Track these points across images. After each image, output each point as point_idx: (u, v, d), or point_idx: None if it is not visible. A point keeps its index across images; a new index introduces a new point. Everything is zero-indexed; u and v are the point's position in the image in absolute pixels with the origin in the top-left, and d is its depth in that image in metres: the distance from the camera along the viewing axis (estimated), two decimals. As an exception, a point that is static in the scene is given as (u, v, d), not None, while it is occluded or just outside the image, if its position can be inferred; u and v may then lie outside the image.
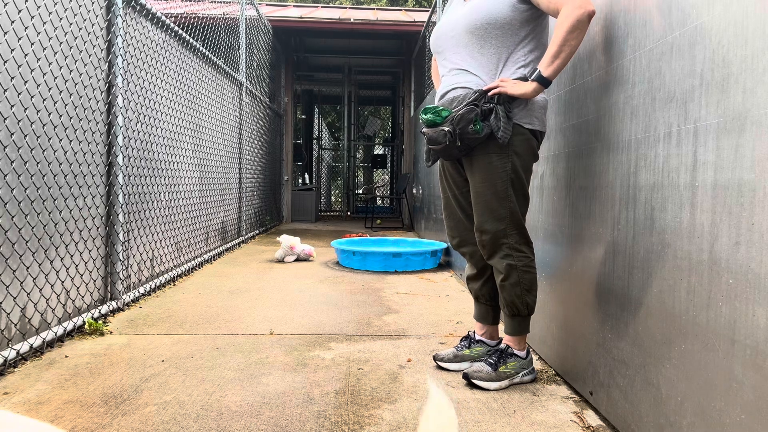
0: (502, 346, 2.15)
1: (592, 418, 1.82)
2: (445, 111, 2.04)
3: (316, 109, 14.41)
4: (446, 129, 2.00)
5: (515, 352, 2.12)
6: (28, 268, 2.31)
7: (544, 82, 1.89)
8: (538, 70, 1.90)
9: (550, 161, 2.32)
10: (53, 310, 2.49)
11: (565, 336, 2.14)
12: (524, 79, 1.98)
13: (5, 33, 2.14)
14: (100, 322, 2.74)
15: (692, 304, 1.33)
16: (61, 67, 2.54)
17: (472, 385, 2.07)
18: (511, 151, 1.99)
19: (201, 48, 4.53)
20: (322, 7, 10.91)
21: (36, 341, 2.29)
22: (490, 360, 2.10)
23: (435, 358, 2.29)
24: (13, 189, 2.19)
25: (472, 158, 2.06)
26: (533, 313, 2.12)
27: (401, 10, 10.87)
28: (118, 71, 3.04)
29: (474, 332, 2.34)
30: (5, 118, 2.14)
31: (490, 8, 2.00)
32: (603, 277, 1.81)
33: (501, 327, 2.78)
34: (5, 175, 2.14)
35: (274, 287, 3.89)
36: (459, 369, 2.25)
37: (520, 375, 2.10)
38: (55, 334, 2.43)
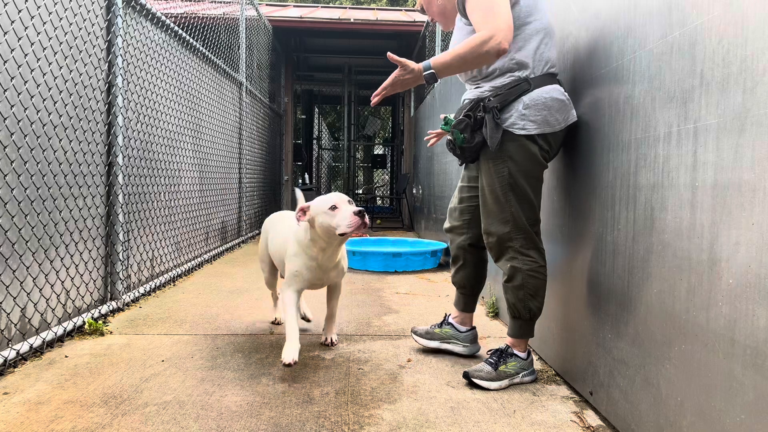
0: (503, 345, 2.15)
1: (592, 418, 1.82)
2: (452, 121, 2.18)
3: (316, 109, 14.40)
4: (449, 138, 2.18)
5: (515, 352, 2.13)
6: (28, 268, 2.31)
7: (427, 68, 1.93)
8: (430, 68, 1.93)
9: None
10: (53, 310, 2.49)
11: (565, 336, 2.14)
12: (516, 81, 2.01)
13: (5, 33, 2.14)
14: (100, 322, 2.74)
15: (692, 304, 1.33)
16: (61, 67, 2.54)
17: (472, 384, 2.07)
18: (506, 157, 2.01)
19: (201, 48, 4.53)
20: (322, 7, 10.91)
21: (36, 341, 2.29)
22: (490, 360, 2.11)
23: (412, 330, 2.54)
24: (13, 189, 2.19)
25: (479, 163, 2.14)
26: (536, 318, 2.11)
27: (401, 10, 10.87)
28: (118, 71, 3.04)
29: (449, 314, 2.51)
30: (5, 118, 2.14)
31: (456, 41, 2.13)
32: (603, 277, 1.81)
33: (502, 326, 2.77)
34: (5, 175, 2.14)
35: (274, 287, 3.89)
36: (427, 345, 2.48)
37: (521, 375, 2.11)
38: (55, 334, 2.43)
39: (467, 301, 2.44)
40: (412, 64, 1.95)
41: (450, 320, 2.47)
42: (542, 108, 1.98)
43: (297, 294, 2.32)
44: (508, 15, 1.88)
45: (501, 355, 2.11)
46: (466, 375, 2.09)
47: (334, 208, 2.11)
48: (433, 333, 2.47)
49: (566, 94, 2.05)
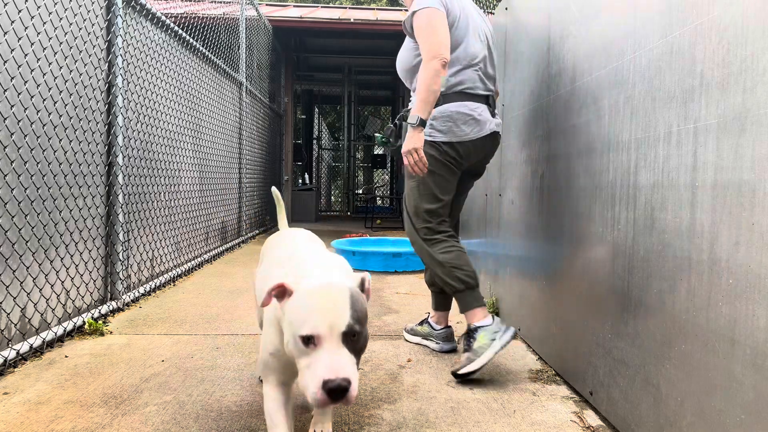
0: (468, 327, 2.23)
1: (592, 418, 1.82)
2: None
3: (316, 109, 14.40)
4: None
5: (478, 324, 2.18)
6: (28, 268, 2.31)
7: (423, 124, 2.20)
8: (418, 117, 2.18)
9: (550, 161, 2.32)
10: (53, 310, 2.49)
11: (565, 336, 2.14)
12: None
13: (5, 33, 2.14)
14: (100, 322, 2.74)
15: (692, 304, 1.33)
16: (61, 67, 2.54)
17: (463, 377, 2.11)
18: None
19: (201, 48, 4.53)
20: (322, 7, 10.91)
21: (36, 341, 2.29)
22: (464, 346, 2.20)
23: (404, 328, 2.74)
24: (13, 189, 2.19)
25: None
26: (475, 285, 2.24)
27: (401, 10, 10.86)
28: (118, 71, 3.04)
29: (429, 314, 2.67)
30: (5, 118, 2.14)
31: (401, 59, 2.48)
32: (603, 277, 1.81)
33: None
34: (5, 175, 2.14)
35: (274, 287, 3.89)
36: (411, 341, 2.64)
37: (497, 340, 2.12)
38: (55, 334, 2.43)
39: (437, 299, 2.60)
40: (407, 144, 2.21)
41: (429, 320, 2.62)
42: (447, 119, 2.28)
43: (282, 389, 1.37)
44: (445, 33, 2.22)
45: (469, 335, 2.19)
46: (454, 374, 2.14)
47: (309, 341, 1.11)
48: (416, 330, 2.64)
49: (478, 110, 2.30)
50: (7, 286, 2.17)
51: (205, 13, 5.30)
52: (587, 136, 1.96)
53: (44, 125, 2.41)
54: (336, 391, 1.07)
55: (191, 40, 4.28)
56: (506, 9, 3.11)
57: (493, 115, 2.40)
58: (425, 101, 2.18)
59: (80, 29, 2.72)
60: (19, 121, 2.23)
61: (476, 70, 2.34)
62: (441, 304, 2.58)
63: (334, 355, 1.10)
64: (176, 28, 3.95)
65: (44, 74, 2.40)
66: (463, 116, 2.29)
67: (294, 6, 10.11)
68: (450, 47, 2.26)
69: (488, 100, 2.37)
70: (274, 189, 2.22)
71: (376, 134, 2.50)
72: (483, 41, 2.39)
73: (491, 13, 4.04)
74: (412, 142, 2.20)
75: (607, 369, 1.77)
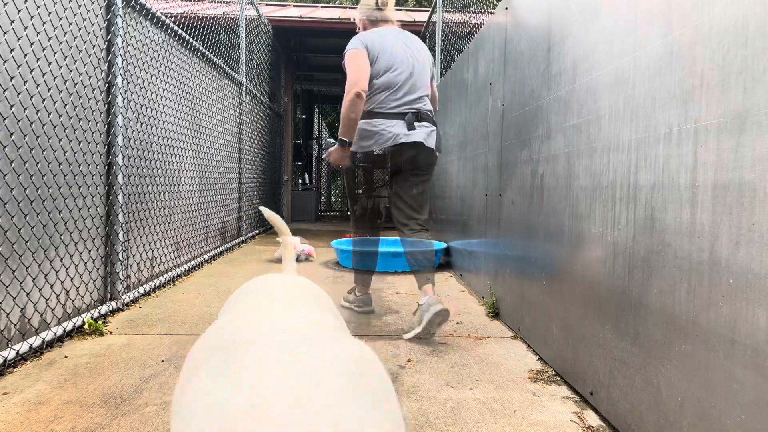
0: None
1: (592, 418, 1.82)
2: None
3: (316, 109, 14.39)
4: None
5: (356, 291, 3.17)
6: (27, 268, 2.31)
7: (341, 143, 2.78)
8: (341, 139, 2.77)
9: (550, 161, 2.32)
10: (53, 310, 2.49)
11: (565, 336, 2.14)
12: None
13: (5, 33, 2.14)
14: (100, 322, 2.74)
15: (692, 304, 1.33)
16: (61, 67, 2.54)
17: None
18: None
19: (201, 48, 4.53)
20: (322, 7, 10.90)
21: (35, 341, 2.29)
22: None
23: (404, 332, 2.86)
24: (12, 189, 2.19)
25: None
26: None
27: (401, 10, 10.87)
28: (118, 71, 3.04)
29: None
30: (5, 118, 2.14)
31: None
32: (603, 277, 1.81)
33: (502, 326, 2.76)
34: (5, 175, 2.14)
35: (274, 287, 3.88)
36: (410, 336, 2.69)
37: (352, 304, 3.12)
38: (55, 334, 2.43)
39: (416, 279, 2.83)
40: (334, 158, 2.84)
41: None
42: (357, 134, 2.82)
43: None
44: (363, 68, 2.70)
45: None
46: None
47: None
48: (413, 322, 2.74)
49: (382, 126, 2.76)
50: (7, 286, 2.17)
51: (205, 13, 5.30)
52: (587, 136, 1.96)
53: (44, 125, 2.41)
54: None
55: (191, 40, 4.27)
56: (506, 9, 3.11)
57: (414, 127, 2.76)
58: (344, 125, 2.71)
59: (80, 29, 2.72)
60: (19, 121, 2.23)
61: (391, 93, 2.77)
62: (417, 281, 2.79)
63: None
64: (176, 28, 3.95)
65: (44, 74, 2.40)
66: (364, 131, 2.79)
67: (294, 6, 10.11)
68: (370, 77, 2.75)
69: (404, 117, 2.76)
70: (264, 210, 1.56)
71: (329, 140, 2.93)
72: (407, 69, 2.80)
73: (494, 9, 4.03)
74: (338, 158, 2.81)
75: (607, 369, 1.77)
